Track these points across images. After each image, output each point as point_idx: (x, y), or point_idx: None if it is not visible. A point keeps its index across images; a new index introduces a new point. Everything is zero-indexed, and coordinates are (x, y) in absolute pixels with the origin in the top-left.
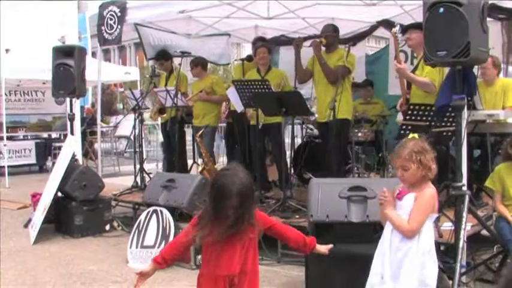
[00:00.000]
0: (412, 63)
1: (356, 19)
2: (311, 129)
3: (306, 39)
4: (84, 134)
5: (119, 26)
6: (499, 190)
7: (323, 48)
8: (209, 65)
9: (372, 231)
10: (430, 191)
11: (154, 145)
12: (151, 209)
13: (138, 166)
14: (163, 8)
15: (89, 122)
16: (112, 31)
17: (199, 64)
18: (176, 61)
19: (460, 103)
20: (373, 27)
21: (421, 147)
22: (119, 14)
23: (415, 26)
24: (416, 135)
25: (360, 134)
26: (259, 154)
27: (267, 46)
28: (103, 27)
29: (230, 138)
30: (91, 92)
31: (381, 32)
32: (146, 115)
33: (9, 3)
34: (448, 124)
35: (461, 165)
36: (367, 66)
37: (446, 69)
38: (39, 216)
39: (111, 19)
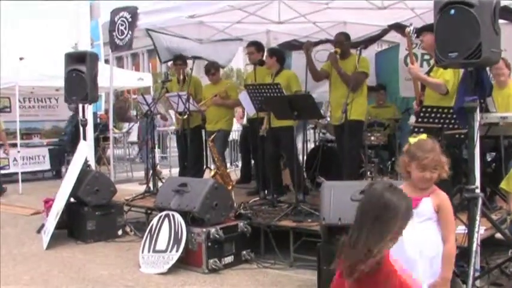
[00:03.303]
0: (421, 66)
1: (367, 23)
2: (323, 133)
3: (317, 43)
4: (97, 140)
5: (130, 32)
6: None
7: (337, 57)
8: (222, 71)
9: None
10: (446, 196)
11: (167, 151)
12: (163, 213)
13: (151, 171)
14: (174, 13)
15: (102, 128)
16: (123, 37)
17: (219, 69)
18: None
19: (472, 105)
20: (385, 31)
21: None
22: (129, 20)
23: (428, 29)
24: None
25: (372, 138)
26: (270, 158)
27: (256, 46)
28: (114, 33)
29: (244, 143)
30: (104, 99)
31: (393, 35)
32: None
33: (22, 12)
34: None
35: (474, 168)
36: (376, 66)
37: (462, 71)
38: (51, 221)
39: (122, 25)
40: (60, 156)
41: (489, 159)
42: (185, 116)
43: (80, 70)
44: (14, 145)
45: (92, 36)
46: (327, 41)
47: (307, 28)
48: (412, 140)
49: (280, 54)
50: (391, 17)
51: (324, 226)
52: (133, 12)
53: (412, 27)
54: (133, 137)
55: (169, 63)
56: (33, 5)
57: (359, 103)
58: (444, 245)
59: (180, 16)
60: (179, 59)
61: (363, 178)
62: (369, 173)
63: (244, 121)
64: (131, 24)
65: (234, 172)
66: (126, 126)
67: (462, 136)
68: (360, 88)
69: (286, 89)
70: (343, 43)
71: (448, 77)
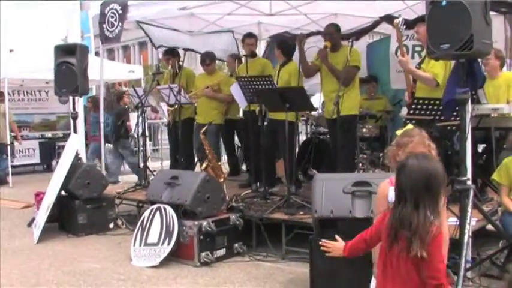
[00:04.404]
0: (413, 57)
1: (358, 15)
2: (315, 126)
3: (308, 35)
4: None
5: (120, 24)
6: (506, 184)
7: (327, 51)
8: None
9: None
10: None
11: (158, 143)
12: (154, 206)
13: (142, 164)
14: (165, 5)
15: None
16: (113, 29)
17: (215, 60)
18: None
19: (463, 97)
20: (376, 23)
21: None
22: (120, 12)
23: (422, 20)
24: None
25: (364, 130)
26: (265, 150)
27: (255, 38)
28: (104, 25)
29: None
30: (94, 91)
31: (384, 27)
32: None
33: (12, 4)
34: (453, 119)
35: (466, 160)
36: (367, 58)
37: (453, 63)
38: (42, 215)
39: (112, 17)
40: (51, 150)
41: (480, 150)
42: (175, 107)
43: (69, 62)
44: None
45: (82, 28)
46: (318, 32)
47: (298, 20)
48: (399, 132)
49: (286, 46)
50: (383, 9)
51: (316, 219)
52: (124, 4)
53: (400, 19)
54: None
55: (160, 55)
56: (30, 5)
57: (351, 97)
58: None
59: (170, 8)
60: (167, 54)
61: (354, 170)
62: (360, 164)
63: (241, 114)
64: (121, 16)
65: (223, 165)
66: None
67: (454, 128)
68: (352, 82)
69: (287, 84)
70: (333, 35)
71: (438, 70)
